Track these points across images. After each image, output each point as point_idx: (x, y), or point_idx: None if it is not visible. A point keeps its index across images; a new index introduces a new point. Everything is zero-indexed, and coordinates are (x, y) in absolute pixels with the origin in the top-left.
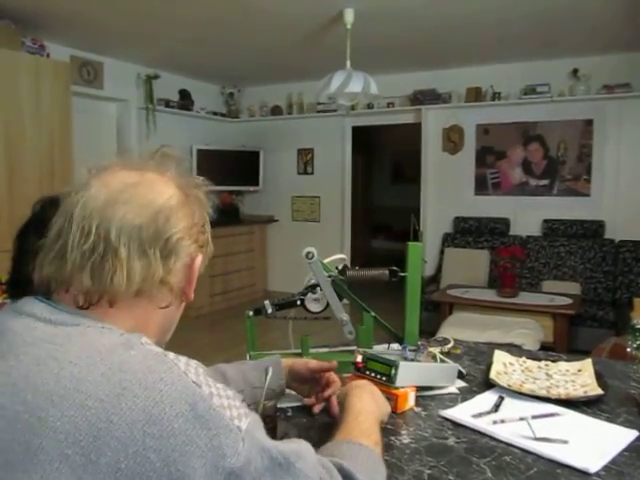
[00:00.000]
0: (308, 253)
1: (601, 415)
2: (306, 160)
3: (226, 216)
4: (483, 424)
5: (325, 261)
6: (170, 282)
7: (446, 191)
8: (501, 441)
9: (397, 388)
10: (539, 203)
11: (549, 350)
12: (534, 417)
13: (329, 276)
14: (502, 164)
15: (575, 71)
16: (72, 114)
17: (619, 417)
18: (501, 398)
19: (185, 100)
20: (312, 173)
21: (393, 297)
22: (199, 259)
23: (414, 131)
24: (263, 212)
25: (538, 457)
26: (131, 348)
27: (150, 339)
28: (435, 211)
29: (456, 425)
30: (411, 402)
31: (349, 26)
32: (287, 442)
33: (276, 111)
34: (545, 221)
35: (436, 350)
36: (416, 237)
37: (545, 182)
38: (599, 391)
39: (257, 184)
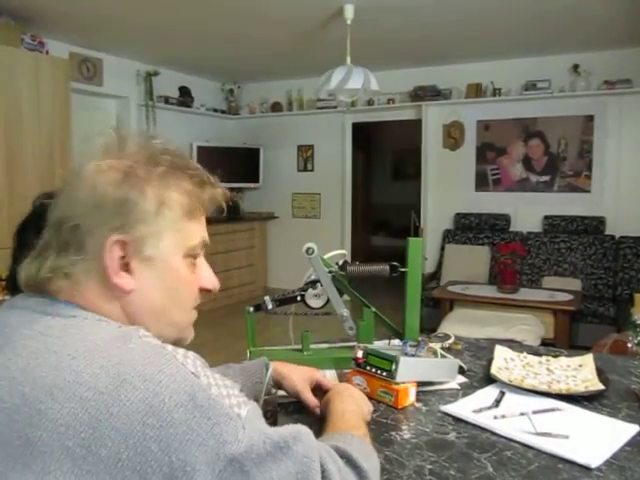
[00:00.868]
0: (308, 249)
1: (602, 410)
2: (306, 157)
3: (226, 213)
4: (484, 419)
5: (325, 257)
6: (65, 271)
7: (446, 187)
8: (502, 436)
9: (398, 383)
10: (540, 199)
11: (550, 346)
12: (535, 412)
13: (329, 271)
14: (502, 160)
15: (576, 67)
16: (71, 111)
17: (620, 412)
18: (502, 393)
19: (185, 97)
20: (312, 170)
21: (394, 293)
22: (109, 241)
23: (414, 127)
24: (263, 209)
25: (539, 452)
26: (129, 341)
27: (148, 329)
28: (435, 207)
29: (457, 420)
30: (412, 397)
31: (349, 22)
32: (285, 426)
33: (276, 108)
34: (546, 217)
35: (437, 346)
36: (416, 233)
37: (546, 178)
38: (600, 386)
39: (257, 181)
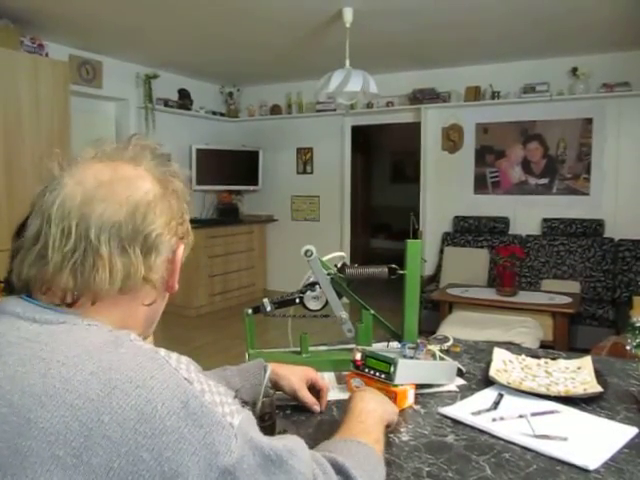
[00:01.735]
0: (307, 251)
1: (601, 412)
2: (305, 159)
3: (225, 216)
4: (482, 421)
5: (324, 259)
6: (152, 278)
7: (445, 190)
8: (500, 438)
9: (396, 386)
10: (538, 202)
11: (549, 349)
12: (533, 414)
13: (328, 274)
14: (501, 163)
15: (574, 70)
16: (71, 113)
17: (619, 414)
18: (500, 396)
19: (184, 99)
20: (311, 172)
21: (393, 296)
22: (180, 251)
23: (413, 130)
24: (262, 212)
25: (537, 454)
26: (120, 346)
27: (135, 333)
28: (434, 210)
29: (455, 422)
30: (410, 400)
31: (348, 25)
32: (280, 439)
33: (275, 110)
34: (544, 220)
35: (435, 348)
36: (416, 236)
37: (544, 181)
38: (599, 388)
39: (256, 183)
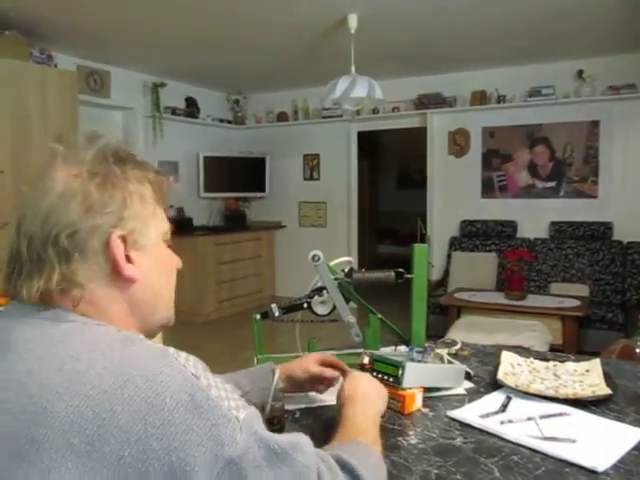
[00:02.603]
0: (314, 256)
1: (610, 414)
2: (312, 166)
3: (233, 222)
4: (491, 424)
5: (331, 264)
6: (77, 280)
7: (452, 194)
8: (509, 441)
9: (404, 389)
10: (546, 205)
11: (558, 352)
12: (542, 417)
13: (335, 279)
14: (508, 167)
15: (580, 72)
16: (79, 123)
17: (628, 416)
18: (509, 398)
19: (191, 108)
20: (318, 179)
21: (400, 300)
22: (114, 237)
23: (419, 135)
24: (270, 218)
25: (546, 456)
26: (132, 344)
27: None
28: (442, 215)
29: (463, 425)
30: (418, 403)
31: (353, 31)
32: (285, 434)
33: (282, 117)
34: (552, 223)
35: (443, 352)
36: (423, 241)
37: (552, 184)
38: (607, 391)
39: (263, 190)
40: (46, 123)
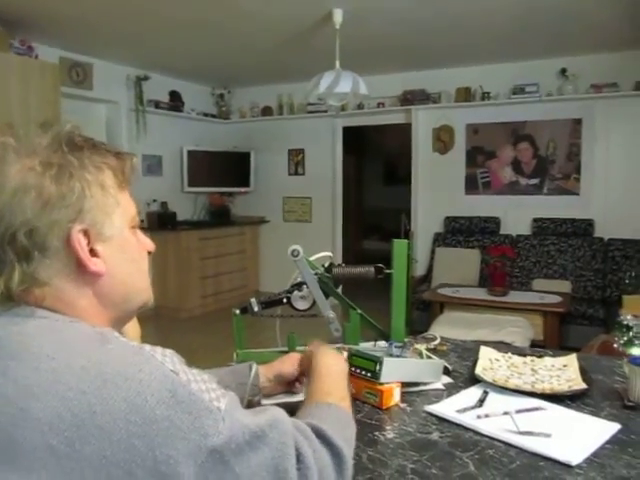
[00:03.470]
0: (294, 251)
1: (585, 409)
2: (297, 161)
3: (217, 217)
4: (467, 419)
5: (311, 258)
6: (39, 278)
7: (437, 191)
8: (485, 435)
9: (382, 384)
10: (529, 202)
11: (539, 347)
12: (518, 411)
13: (315, 273)
14: (492, 163)
15: (563, 70)
16: (61, 115)
17: (603, 411)
18: (485, 393)
19: (175, 101)
20: (303, 174)
21: (384, 297)
22: (75, 232)
23: (405, 131)
24: (254, 213)
25: (521, 450)
26: (108, 342)
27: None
28: (426, 211)
29: (441, 420)
30: (396, 398)
31: (338, 26)
32: (262, 412)
33: (266, 112)
34: (535, 220)
35: (422, 347)
36: (407, 236)
37: (535, 181)
38: (583, 385)
39: (248, 185)
40: (28, 116)
